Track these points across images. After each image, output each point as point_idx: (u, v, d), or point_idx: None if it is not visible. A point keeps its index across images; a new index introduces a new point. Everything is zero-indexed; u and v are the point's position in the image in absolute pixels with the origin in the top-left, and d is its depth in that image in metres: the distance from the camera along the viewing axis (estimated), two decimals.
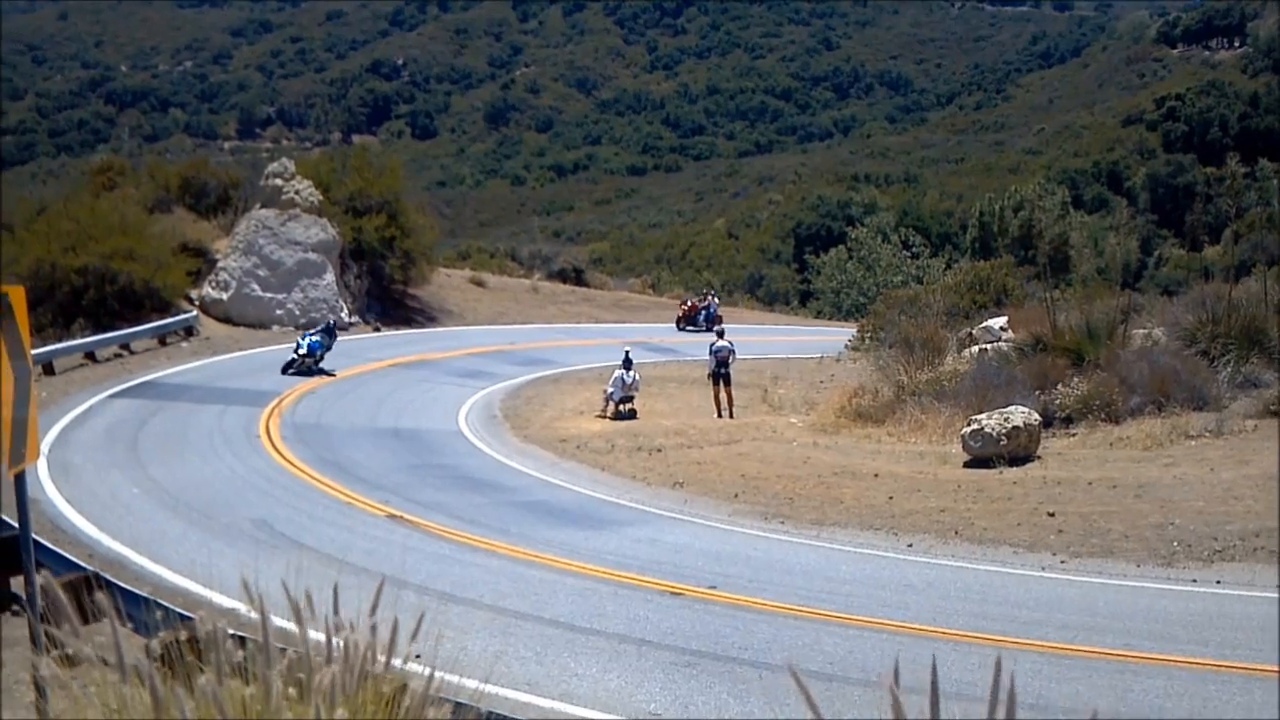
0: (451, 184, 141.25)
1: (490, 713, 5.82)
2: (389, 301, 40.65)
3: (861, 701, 8.34)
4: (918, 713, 3.58)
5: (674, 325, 43.24)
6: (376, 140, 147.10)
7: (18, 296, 6.27)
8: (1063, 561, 13.35)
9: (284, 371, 27.79)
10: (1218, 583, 12.29)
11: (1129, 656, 9.91)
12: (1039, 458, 18.05)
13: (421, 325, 40.16)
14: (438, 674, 4.98)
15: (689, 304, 44.71)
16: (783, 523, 15.76)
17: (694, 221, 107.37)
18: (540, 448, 21.73)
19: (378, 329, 38.02)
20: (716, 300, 45.50)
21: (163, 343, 31.22)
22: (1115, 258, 57.83)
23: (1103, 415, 19.38)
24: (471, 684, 6.16)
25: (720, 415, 24.82)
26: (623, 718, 8.50)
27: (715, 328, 30.23)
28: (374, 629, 4.71)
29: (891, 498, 16.44)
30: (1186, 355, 20.59)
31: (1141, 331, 22.82)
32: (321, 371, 28.14)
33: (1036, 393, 20.10)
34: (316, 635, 4.41)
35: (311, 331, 29.64)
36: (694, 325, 42.10)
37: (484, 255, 58.39)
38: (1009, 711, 3.33)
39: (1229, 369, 20.07)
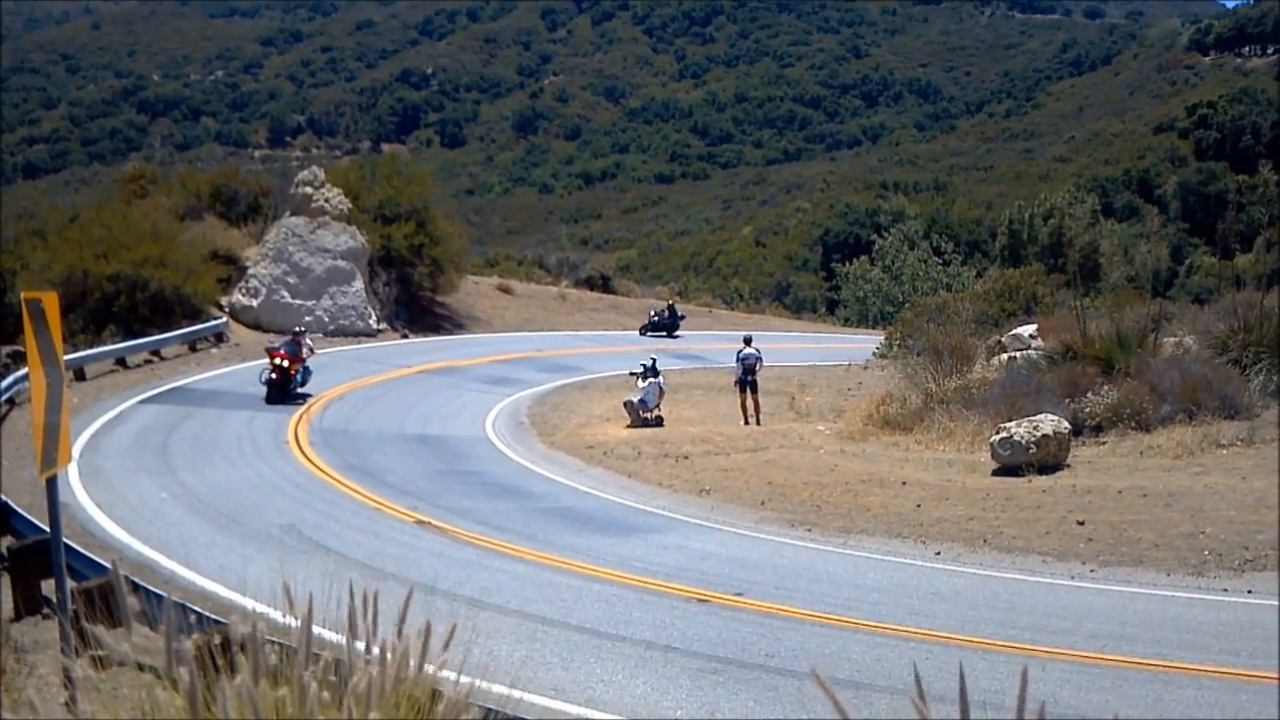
0: (480, 192, 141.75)
1: (518, 718, 5.83)
2: (417, 308, 40.83)
3: (889, 710, 8.31)
4: None
5: (638, 331, 42.51)
6: (405, 149, 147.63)
7: (50, 303, 6.35)
8: (1092, 570, 13.27)
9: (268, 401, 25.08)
10: (1249, 592, 12.18)
11: (1160, 666, 9.84)
12: (1068, 466, 17.94)
13: (449, 332, 40.30)
14: (466, 679, 5.02)
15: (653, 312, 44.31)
16: (810, 530, 15.72)
17: (721, 229, 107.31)
18: (567, 454, 21.77)
19: (405, 336, 38.20)
20: (678, 308, 45.09)
21: (193, 349, 31.47)
22: (1146, 265, 57.63)
23: (1133, 424, 19.24)
24: (499, 689, 6.18)
25: (747, 422, 24.80)
26: None
27: (742, 335, 30.18)
28: (408, 635, 4.75)
29: (919, 505, 16.37)
30: (1218, 363, 20.43)
31: (1172, 339, 22.67)
32: (300, 397, 25.62)
33: (1066, 401, 19.98)
34: (336, 638, 4.45)
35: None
36: (657, 330, 42.07)
37: (512, 263, 58.60)
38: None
39: (1261, 377, 19.89)
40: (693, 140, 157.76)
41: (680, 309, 44.55)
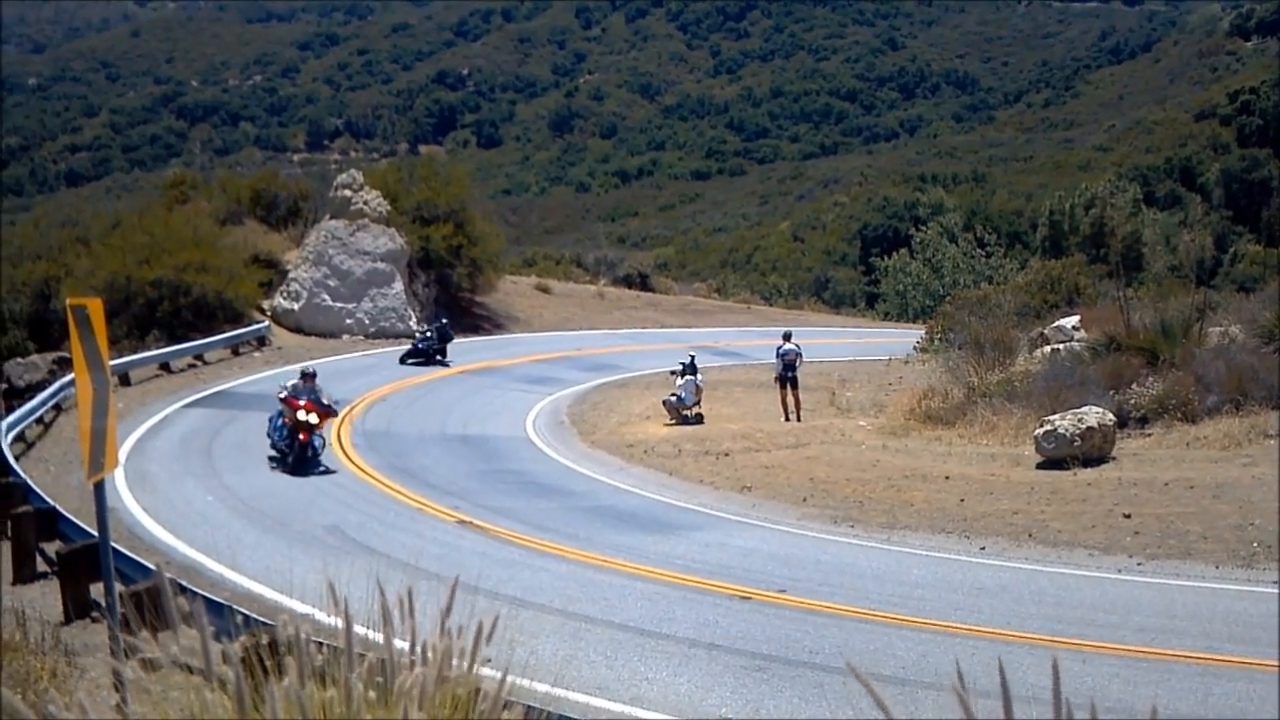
0: (517, 192, 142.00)
1: (562, 716, 5.84)
2: (456, 309, 40.99)
3: (934, 706, 8.25)
4: (989, 716, 3.55)
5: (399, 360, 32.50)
6: (443, 150, 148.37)
7: (96, 309, 6.41)
8: (1139, 564, 13.13)
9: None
10: None
11: (1208, 659, 9.72)
12: (1114, 459, 17.76)
13: (489, 332, 40.44)
14: (510, 678, 5.02)
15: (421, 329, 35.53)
16: (852, 526, 15.65)
17: (759, 225, 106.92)
18: (607, 453, 21.78)
19: None
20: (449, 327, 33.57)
21: (235, 353, 31.74)
22: (1189, 254, 56.89)
23: (1179, 415, 19.02)
24: (542, 688, 6.19)
25: (787, 419, 24.71)
26: None
27: (782, 332, 30.03)
28: (450, 632, 4.76)
29: (963, 500, 16.27)
30: (1265, 353, 20.16)
31: (1218, 329, 22.37)
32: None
33: (1110, 393, 19.78)
34: (384, 639, 4.46)
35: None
36: (418, 357, 32.14)
37: (550, 262, 58.69)
38: (1069, 712, 3.28)
39: None
40: (729, 136, 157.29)
41: (450, 329, 33.53)
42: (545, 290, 47.67)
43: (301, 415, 18.98)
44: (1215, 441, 17.82)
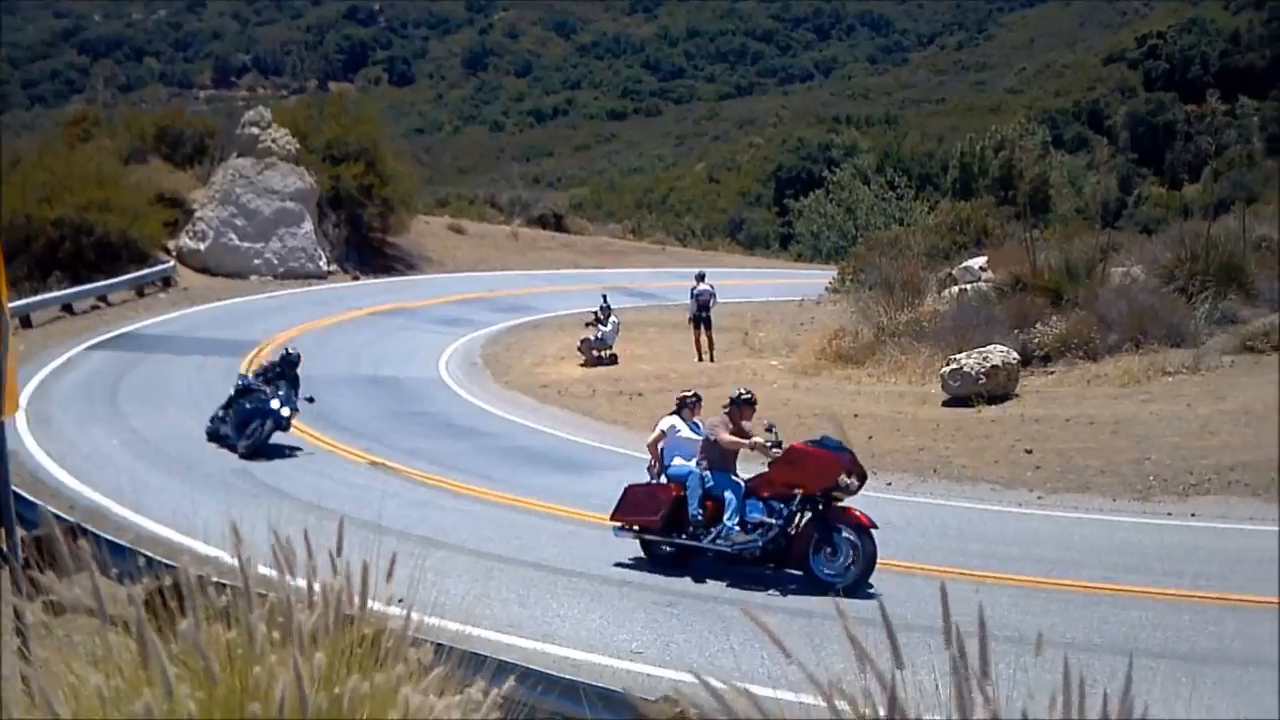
0: (430, 131, 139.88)
1: (471, 653, 5.86)
2: (368, 250, 40.47)
3: (836, 635, 8.43)
4: (887, 645, 3.66)
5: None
6: (354, 87, 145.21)
7: None
8: (1040, 498, 13.50)
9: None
10: (1192, 515, 12.46)
11: (1105, 589, 10.05)
12: (1017, 396, 18.18)
13: (401, 273, 40.02)
14: (419, 616, 5.04)
15: None
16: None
17: (674, 166, 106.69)
18: (521, 394, 21.77)
19: (357, 277, 37.89)
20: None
21: (140, 294, 31.07)
22: (1095, 197, 58.00)
23: (1081, 353, 19.50)
24: (453, 626, 6.22)
25: (701, 359, 24.87)
26: (605, 656, 8.59)
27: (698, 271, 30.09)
28: (346, 571, 4.76)
29: (871, 437, 16.52)
30: (1165, 293, 20.71)
31: (1120, 270, 22.90)
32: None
33: (1015, 332, 20.19)
34: (296, 581, 4.45)
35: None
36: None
37: (463, 202, 58.05)
38: (959, 637, 3.40)
39: (1207, 306, 20.20)
40: (645, 76, 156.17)
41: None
42: (459, 231, 47.20)
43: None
44: (1115, 379, 18.30)
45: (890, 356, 21.77)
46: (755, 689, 3.84)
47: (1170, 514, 12.59)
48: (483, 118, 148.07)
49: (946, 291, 25.25)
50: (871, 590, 9.92)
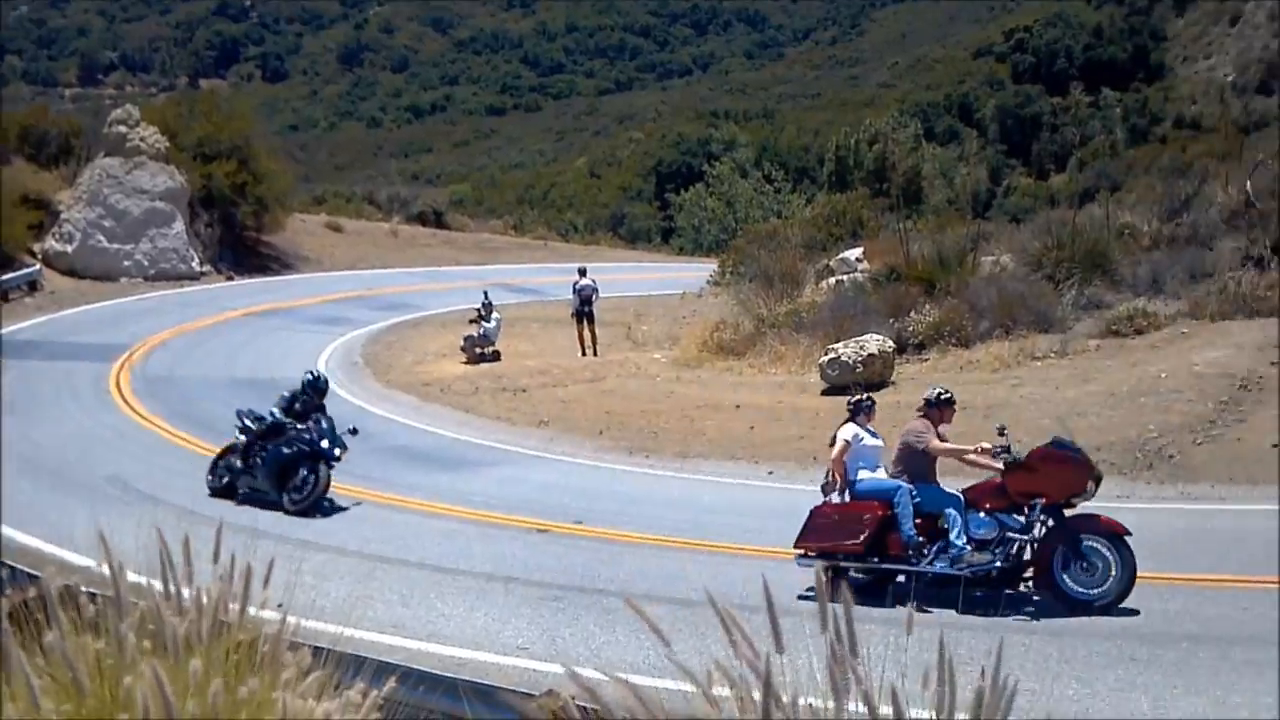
0: (304, 128, 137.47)
1: (351, 655, 5.80)
2: (242, 249, 39.63)
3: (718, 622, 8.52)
4: (766, 629, 3.73)
5: None
6: (225, 84, 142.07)
7: None
8: None
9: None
10: None
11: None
12: (893, 383, 18.57)
13: (277, 273, 39.30)
14: (298, 620, 4.97)
15: None
16: (647, 456, 15.95)
17: (555, 161, 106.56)
18: (403, 392, 21.55)
19: (231, 278, 37.10)
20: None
21: (5, 299, 30.00)
22: (965, 188, 59.45)
23: (954, 340, 20.02)
24: (333, 629, 6.14)
25: (584, 353, 24.90)
26: (490, 654, 8.56)
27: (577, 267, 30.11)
28: (223, 578, 4.67)
29: (753, 427, 16.74)
30: (1033, 280, 21.36)
31: (990, 259, 23.56)
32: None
33: (891, 321, 20.65)
34: (170, 588, 4.36)
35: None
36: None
37: (340, 200, 57.15)
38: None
39: (1073, 292, 20.89)
40: (524, 71, 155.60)
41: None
42: (336, 229, 46.51)
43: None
44: (987, 364, 18.80)
45: (770, 347, 22.09)
46: (638, 680, 3.87)
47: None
48: (359, 114, 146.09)
49: (824, 282, 25.67)
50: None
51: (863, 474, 10.21)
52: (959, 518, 9.60)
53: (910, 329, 20.48)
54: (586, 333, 25.21)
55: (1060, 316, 20.24)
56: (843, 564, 9.59)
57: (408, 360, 24.83)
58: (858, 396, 10.93)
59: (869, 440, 10.44)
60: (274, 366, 23.59)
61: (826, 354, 18.91)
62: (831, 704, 3.65)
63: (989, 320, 20.22)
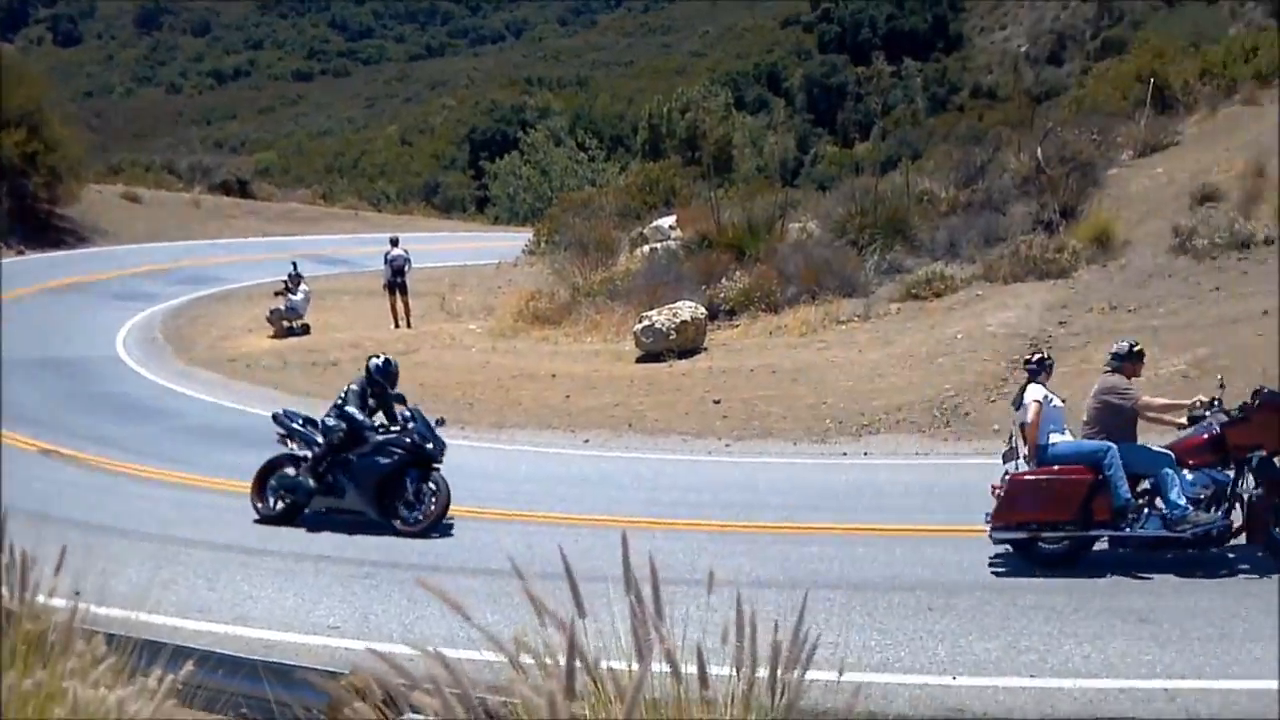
0: (100, 94, 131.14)
1: (146, 641, 5.65)
2: (34, 222, 37.61)
3: (539, 591, 8.57)
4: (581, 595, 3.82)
5: None
6: (13, 48, 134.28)
7: None
8: (727, 445, 14.12)
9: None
10: (865, 454, 13.36)
11: (786, 528, 10.66)
12: (705, 349, 18.91)
13: (72, 246, 37.49)
14: (90, 607, 4.81)
15: None
16: (463, 428, 15.83)
17: (365, 129, 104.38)
18: (207, 369, 20.88)
19: (22, 252, 35.21)
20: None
21: None
22: (774, 156, 60.67)
23: (763, 306, 20.50)
24: (131, 615, 5.96)
25: (397, 325, 24.55)
26: (301, 635, 8.42)
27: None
28: (9, 566, 4.50)
29: (568, 396, 16.83)
30: (837, 246, 22.00)
31: (797, 225, 24.14)
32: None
33: (703, 287, 21.00)
34: None
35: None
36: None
37: (139, 169, 54.80)
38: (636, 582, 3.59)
39: (875, 257, 21.59)
40: (332, 35, 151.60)
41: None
42: (134, 199, 44.55)
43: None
44: (795, 329, 19.32)
45: (586, 316, 22.21)
46: (449, 652, 3.91)
47: (846, 454, 13.45)
48: (158, 79, 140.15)
49: (638, 250, 25.89)
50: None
51: (1054, 437, 9.54)
52: (1175, 476, 9.11)
53: (722, 295, 20.87)
54: (399, 304, 24.83)
55: (864, 281, 20.91)
56: (1043, 534, 9.24)
57: (213, 335, 24.06)
58: (1039, 354, 10.13)
59: (1057, 401, 9.81)
60: (70, 344, 22.59)
61: (641, 321, 19.11)
62: (636, 665, 3.75)
63: (796, 286, 20.76)
